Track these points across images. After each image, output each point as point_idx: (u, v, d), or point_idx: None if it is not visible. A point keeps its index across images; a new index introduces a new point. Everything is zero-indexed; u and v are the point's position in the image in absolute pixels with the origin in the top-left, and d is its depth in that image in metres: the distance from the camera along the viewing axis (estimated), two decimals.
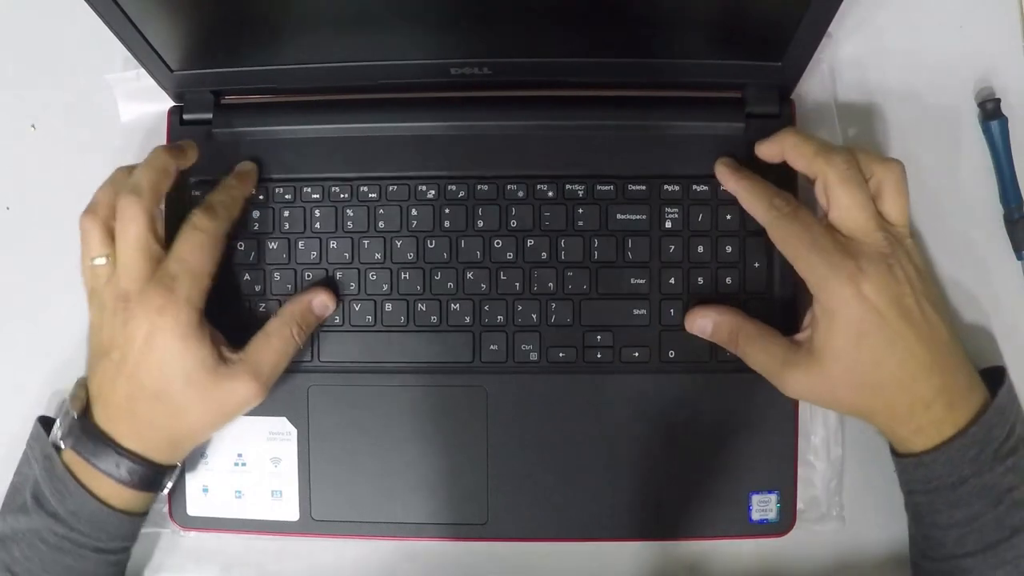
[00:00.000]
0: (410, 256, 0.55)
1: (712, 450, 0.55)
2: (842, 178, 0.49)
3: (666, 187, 0.55)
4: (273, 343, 0.52)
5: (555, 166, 0.55)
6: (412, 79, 0.55)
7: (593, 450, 0.55)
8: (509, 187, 0.55)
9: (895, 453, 0.51)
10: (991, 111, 0.57)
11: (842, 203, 0.49)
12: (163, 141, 0.56)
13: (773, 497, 0.54)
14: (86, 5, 0.47)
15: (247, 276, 0.55)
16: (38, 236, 0.59)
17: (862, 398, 0.49)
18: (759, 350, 0.51)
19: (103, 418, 0.51)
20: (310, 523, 0.55)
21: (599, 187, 0.55)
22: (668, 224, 0.55)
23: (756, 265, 0.54)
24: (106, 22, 0.49)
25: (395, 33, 0.51)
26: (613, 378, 0.55)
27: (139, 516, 0.53)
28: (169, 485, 0.53)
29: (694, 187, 0.55)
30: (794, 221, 0.49)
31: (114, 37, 0.50)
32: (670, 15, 0.49)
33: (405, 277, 0.55)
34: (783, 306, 0.54)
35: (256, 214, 0.56)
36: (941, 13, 0.59)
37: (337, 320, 0.55)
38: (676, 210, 0.55)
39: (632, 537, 0.55)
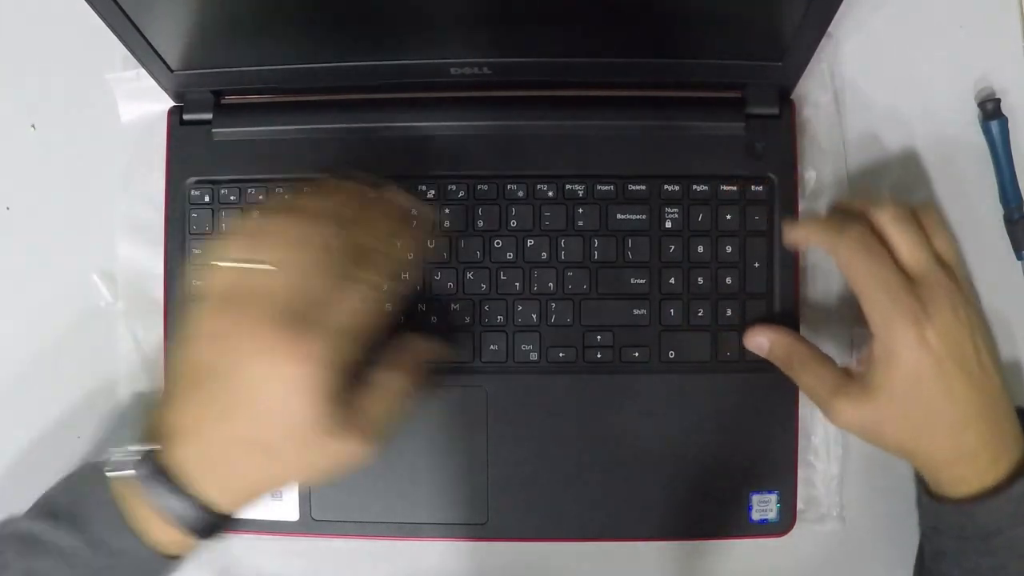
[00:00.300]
0: (410, 256, 0.55)
1: (712, 450, 0.55)
2: (896, 216, 0.49)
3: (666, 187, 0.55)
4: (390, 399, 0.46)
5: (555, 166, 0.55)
6: (412, 79, 0.55)
7: (593, 450, 0.55)
8: (509, 187, 0.55)
9: (929, 493, 0.50)
10: (991, 111, 0.57)
11: (901, 243, 0.49)
12: (163, 141, 0.56)
13: (773, 497, 0.54)
14: (86, 5, 0.47)
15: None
16: (38, 236, 0.59)
17: (910, 439, 0.49)
18: (810, 374, 0.51)
19: (186, 458, 0.43)
20: (310, 523, 0.55)
21: (599, 187, 0.55)
22: (668, 224, 0.55)
23: (756, 265, 0.54)
24: (106, 22, 0.49)
25: (395, 33, 0.51)
26: (613, 378, 0.55)
27: (180, 560, 0.46)
28: (221, 535, 0.46)
29: (694, 187, 0.55)
30: (868, 255, 0.48)
31: (114, 37, 0.50)
32: (670, 15, 0.49)
33: (405, 277, 0.55)
34: (783, 306, 0.54)
35: (257, 214, 0.55)
36: (941, 13, 0.58)
37: None
38: (676, 210, 0.55)
39: (632, 537, 0.55)
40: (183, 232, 0.56)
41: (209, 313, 0.44)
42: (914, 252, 0.49)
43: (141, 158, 0.58)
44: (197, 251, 0.56)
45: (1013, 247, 0.57)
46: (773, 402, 0.53)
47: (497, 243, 0.55)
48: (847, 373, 0.50)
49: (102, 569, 0.44)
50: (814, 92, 0.57)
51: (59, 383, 0.58)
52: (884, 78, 0.58)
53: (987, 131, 0.57)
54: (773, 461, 0.54)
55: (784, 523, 0.55)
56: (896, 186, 0.58)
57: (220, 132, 0.56)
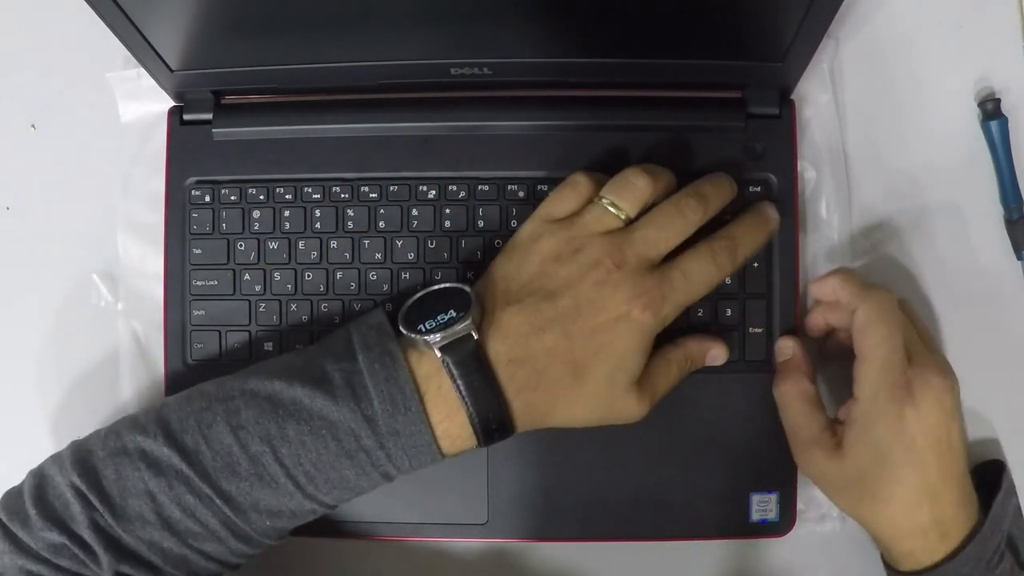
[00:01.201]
0: (411, 256, 0.55)
1: (712, 450, 0.55)
2: (893, 306, 0.50)
3: None
4: (672, 372, 0.50)
5: (556, 166, 0.55)
6: (412, 79, 0.54)
7: (593, 450, 0.55)
8: (510, 187, 0.55)
9: (887, 565, 0.51)
10: (991, 111, 0.57)
11: (906, 324, 0.50)
12: (163, 141, 0.56)
13: (773, 497, 0.54)
14: (86, 5, 0.47)
15: (247, 276, 0.55)
16: (38, 236, 0.59)
17: (867, 507, 0.49)
18: (803, 412, 0.51)
19: (507, 356, 0.45)
20: (310, 523, 0.55)
21: None
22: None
23: (755, 265, 0.54)
24: (106, 22, 0.49)
25: (395, 33, 0.51)
26: None
27: (442, 459, 0.47)
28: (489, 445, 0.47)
29: None
30: (886, 322, 0.49)
31: (114, 37, 0.50)
32: (671, 15, 0.49)
33: (406, 277, 0.55)
34: (782, 307, 0.54)
35: (257, 214, 0.56)
36: (941, 13, 0.58)
37: (337, 321, 0.55)
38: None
39: (632, 537, 0.55)
40: (183, 232, 0.56)
41: (567, 233, 0.47)
42: (906, 332, 0.50)
43: (141, 158, 0.58)
44: (197, 251, 0.56)
45: (1013, 247, 0.57)
46: (773, 402, 0.53)
47: (497, 243, 0.55)
48: (831, 427, 0.51)
49: (368, 448, 0.44)
50: (814, 92, 0.57)
51: (59, 383, 0.58)
52: (884, 78, 0.58)
53: (987, 131, 0.57)
54: (773, 461, 0.54)
55: (784, 523, 0.55)
56: (896, 187, 0.58)
57: (220, 132, 0.56)
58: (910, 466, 0.48)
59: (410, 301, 0.48)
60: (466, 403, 0.44)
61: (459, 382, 0.44)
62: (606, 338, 0.46)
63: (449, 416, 0.45)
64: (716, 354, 0.52)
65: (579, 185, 0.50)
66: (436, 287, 0.48)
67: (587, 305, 0.46)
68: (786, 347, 0.53)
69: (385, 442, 0.44)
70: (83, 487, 0.44)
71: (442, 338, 0.44)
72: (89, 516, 0.43)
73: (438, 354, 0.45)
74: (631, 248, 0.47)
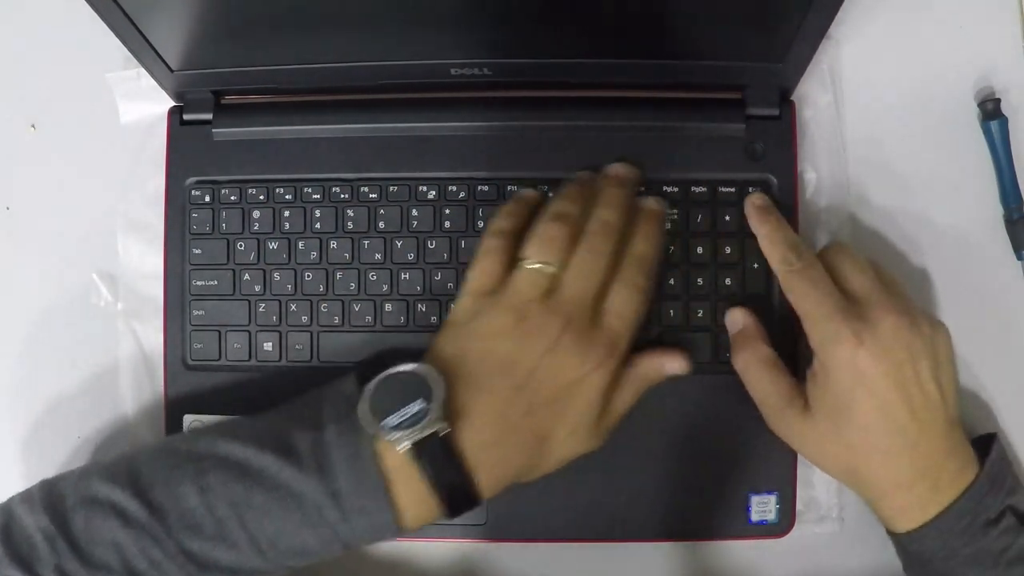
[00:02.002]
0: (410, 256, 0.55)
1: (712, 451, 0.55)
2: (840, 249, 0.51)
3: (666, 188, 0.55)
4: (628, 397, 0.50)
5: (556, 167, 0.55)
6: (412, 79, 0.54)
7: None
8: (510, 188, 0.55)
9: (889, 533, 0.51)
10: (991, 111, 0.57)
11: (845, 269, 0.50)
12: (163, 141, 0.56)
13: (772, 498, 0.54)
14: (86, 5, 0.47)
15: (247, 276, 0.55)
16: (38, 236, 0.59)
17: (848, 461, 0.49)
18: (767, 379, 0.51)
19: (471, 440, 0.45)
20: None
21: None
22: (668, 225, 0.55)
23: (755, 266, 0.54)
24: (106, 22, 0.49)
25: (395, 33, 0.51)
26: None
27: (403, 533, 0.47)
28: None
29: (694, 188, 0.55)
30: (803, 277, 0.49)
31: (114, 37, 0.50)
32: (671, 16, 0.49)
33: (405, 277, 0.55)
34: (782, 307, 0.54)
35: (257, 214, 0.56)
36: (941, 13, 0.58)
37: (337, 320, 0.55)
38: (676, 211, 0.55)
39: (631, 538, 0.55)
40: (183, 232, 0.56)
41: (509, 311, 0.48)
42: (858, 277, 0.50)
43: (141, 158, 0.58)
44: (197, 251, 0.56)
45: (1013, 247, 0.57)
46: None
47: None
48: (798, 388, 0.50)
49: (330, 521, 0.45)
50: (814, 93, 0.57)
51: (59, 383, 0.58)
52: (884, 79, 0.58)
53: (987, 131, 0.57)
54: (772, 462, 0.54)
55: (783, 524, 0.55)
56: (896, 187, 0.58)
57: (220, 132, 0.56)
58: (876, 410, 0.47)
59: (372, 385, 0.47)
60: (437, 492, 0.45)
61: (430, 477, 0.44)
62: (566, 403, 0.47)
63: (417, 501, 0.45)
64: (672, 366, 0.52)
65: (497, 251, 0.50)
66: (399, 370, 0.47)
67: (542, 376, 0.46)
68: (736, 318, 0.53)
69: (349, 518, 0.45)
70: (52, 531, 0.44)
71: (410, 435, 0.44)
72: (55, 560, 0.44)
73: (408, 451, 0.44)
74: (569, 308, 0.47)
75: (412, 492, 0.45)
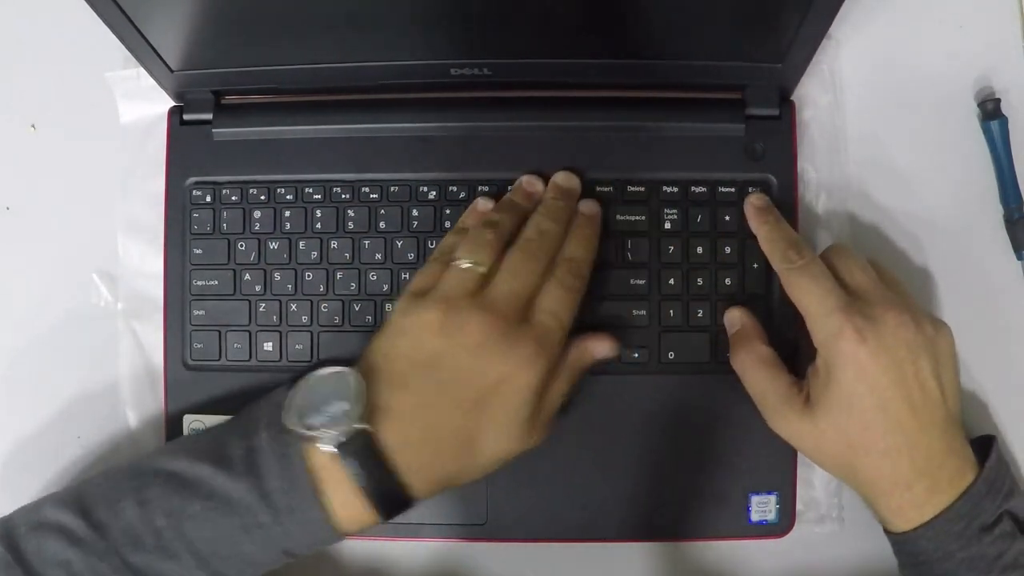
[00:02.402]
0: (411, 256, 0.55)
1: (712, 451, 0.55)
2: (840, 249, 0.51)
3: (665, 188, 0.55)
4: (560, 388, 0.50)
5: (555, 167, 0.55)
6: (412, 80, 0.55)
7: (593, 451, 0.55)
8: (509, 188, 0.55)
9: (886, 532, 0.51)
10: (991, 111, 0.57)
11: (847, 268, 0.50)
12: (163, 141, 0.56)
13: (772, 498, 0.55)
14: (86, 5, 0.47)
15: (248, 276, 0.55)
16: (38, 236, 0.59)
17: (847, 459, 0.49)
18: (766, 377, 0.51)
19: (395, 438, 0.45)
20: None
21: (599, 188, 0.55)
22: (667, 225, 0.55)
23: (755, 266, 0.54)
24: (106, 22, 0.49)
25: (395, 34, 0.51)
26: (613, 379, 0.54)
27: (342, 537, 0.47)
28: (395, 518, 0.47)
29: (693, 188, 0.55)
30: (804, 274, 0.50)
31: (114, 37, 0.50)
32: (670, 16, 0.49)
33: (405, 277, 0.55)
34: (782, 307, 0.54)
35: (258, 214, 0.56)
36: (941, 13, 0.58)
37: (337, 320, 0.55)
38: (675, 211, 0.55)
39: (631, 538, 0.55)
40: (183, 232, 0.56)
41: (434, 307, 0.47)
42: (860, 276, 0.50)
43: (141, 158, 0.58)
44: (197, 251, 0.56)
45: (1013, 247, 0.57)
46: None
47: None
48: (796, 384, 0.51)
49: (264, 524, 0.45)
50: (814, 93, 0.57)
51: (59, 383, 0.58)
52: (884, 79, 0.58)
53: (987, 131, 0.57)
54: (772, 462, 0.54)
55: (783, 524, 0.55)
56: (896, 187, 0.58)
57: (220, 132, 0.56)
58: (877, 408, 0.47)
59: (299, 387, 0.47)
60: (364, 493, 0.45)
61: (355, 476, 0.44)
62: (494, 403, 0.46)
63: (348, 502, 0.45)
64: (598, 349, 0.52)
65: (439, 260, 0.50)
66: (325, 372, 0.47)
67: (468, 374, 0.46)
68: (734, 318, 0.53)
69: (282, 519, 0.45)
70: (8, 558, 0.45)
71: (333, 437, 0.44)
72: None
73: (332, 450, 0.45)
74: (498, 305, 0.47)
75: (341, 492, 0.45)
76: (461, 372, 0.46)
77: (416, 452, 0.46)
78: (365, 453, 0.45)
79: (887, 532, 0.50)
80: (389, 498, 0.45)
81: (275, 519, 0.45)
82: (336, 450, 0.44)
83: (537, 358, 0.47)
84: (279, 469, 0.45)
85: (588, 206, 0.54)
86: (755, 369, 0.51)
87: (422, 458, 0.46)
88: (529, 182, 0.54)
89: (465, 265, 0.48)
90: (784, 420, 0.50)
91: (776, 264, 0.52)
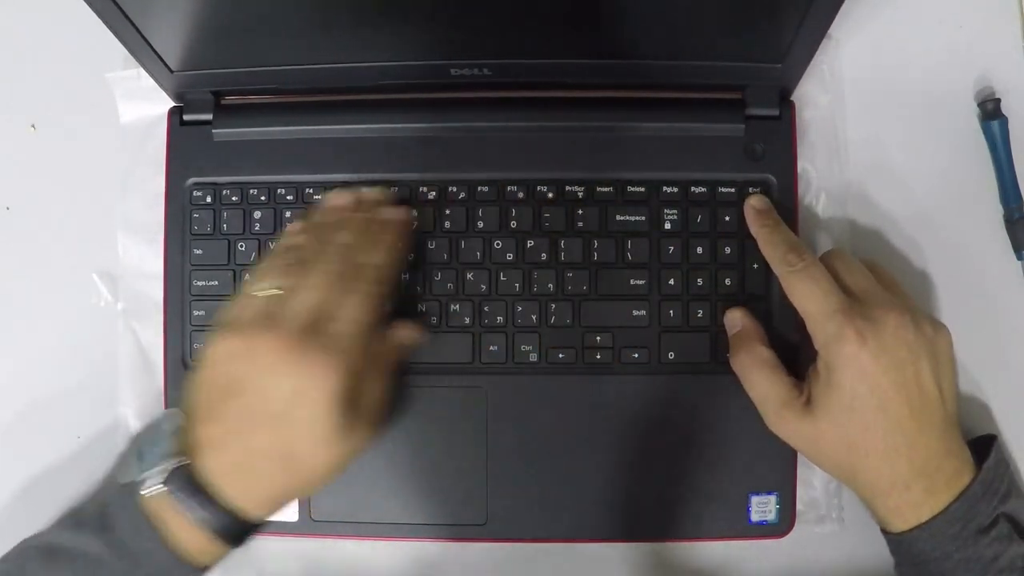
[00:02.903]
0: (410, 257, 0.55)
1: (712, 451, 0.55)
2: (840, 253, 0.52)
3: (665, 189, 0.55)
4: (379, 383, 0.50)
5: (555, 167, 0.55)
6: (412, 80, 0.55)
7: (593, 451, 0.55)
8: (509, 188, 0.55)
9: (883, 531, 0.51)
10: (991, 111, 0.57)
11: (847, 272, 0.50)
12: (163, 141, 0.56)
13: (773, 498, 0.55)
14: (86, 5, 0.47)
15: (248, 276, 0.55)
16: (38, 236, 0.59)
17: (846, 460, 0.49)
18: (766, 379, 0.51)
19: (214, 469, 0.46)
20: (310, 523, 0.55)
21: (599, 188, 0.55)
22: (667, 225, 0.55)
23: (755, 267, 0.54)
24: (106, 22, 0.49)
25: (395, 34, 0.51)
26: (613, 379, 0.55)
27: (203, 571, 0.47)
28: (249, 542, 0.48)
29: (693, 188, 0.55)
30: (804, 277, 0.50)
31: (114, 37, 0.50)
32: (671, 17, 0.49)
33: (405, 277, 0.55)
34: (781, 308, 0.54)
35: (258, 214, 0.56)
36: (941, 13, 0.58)
37: None
38: (675, 211, 0.55)
39: (632, 538, 0.55)
40: (183, 232, 0.56)
41: (231, 336, 0.47)
42: (859, 279, 0.50)
43: (141, 158, 0.58)
44: (198, 251, 0.56)
45: (1013, 247, 0.57)
46: None
47: (497, 244, 0.55)
48: (797, 386, 0.51)
49: (124, 572, 0.45)
50: (814, 93, 0.57)
51: (59, 383, 0.58)
52: (884, 79, 0.58)
53: (987, 131, 0.57)
54: (773, 462, 0.54)
55: (783, 524, 0.55)
56: (896, 187, 0.58)
57: (220, 133, 0.56)
58: (877, 409, 0.47)
59: (134, 437, 0.48)
60: (199, 524, 0.45)
61: (185, 509, 0.45)
62: (297, 416, 0.46)
63: (192, 537, 0.45)
64: (403, 336, 0.53)
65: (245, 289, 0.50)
66: (155, 417, 0.49)
67: (268, 393, 0.46)
68: (735, 319, 0.54)
69: (138, 565, 0.45)
70: None
71: (157, 476, 0.45)
72: None
73: (161, 488, 0.45)
74: (290, 324, 0.46)
75: (183, 528, 0.45)
76: (259, 393, 0.46)
77: (239, 477, 0.46)
78: (188, 487, 0.45)
79: (884, 532, 0.50)
80: (226, 525, 0.46)
81: (133, 567, 0.45)
82: (164, 487, 0.45)
83: (329, 365, 0.46)
84: (125, 518, 0.46)
85: (390, 212, 0.54)
86: (755, 371, 0.51)
87: (247, 481, 0.46)
88: (333, 197, 0.54)
89: (259, 292, 0.48)
90: (784, 422, 0.50)
91: (776, 267, 0.52)
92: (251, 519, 0.47)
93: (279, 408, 0.45)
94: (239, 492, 0.46)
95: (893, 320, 0.48)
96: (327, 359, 0.46)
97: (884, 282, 0.51)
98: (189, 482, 0.45)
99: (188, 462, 0.45)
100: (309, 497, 0.55)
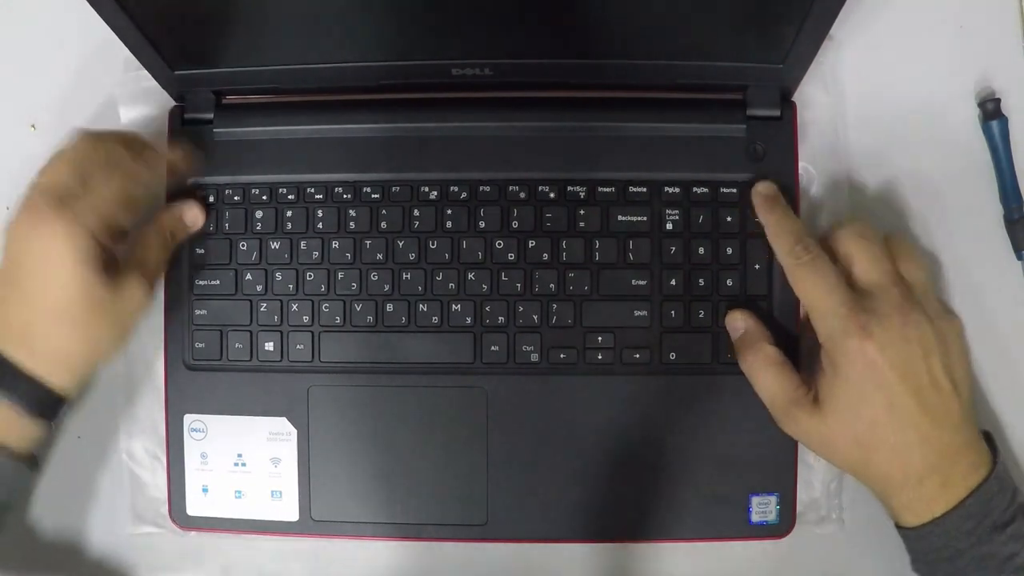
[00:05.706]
0: (412, 256, 0.55)
1: (712, 451, 0.55)
2: (856, 232, 0.50)
3: (667, 189, 0.55)
4: (153, 243, 0.53)
5: (556, 167, 0.55)
6: (413, 79, 0.55)
7: (593, 451, 0.55)
8: (511, 188, 0.55)
9: (897, 526, 0.51)
10: (991, 111, 0.57)
11: (857, 258, 0.50)
12: (164, 141, 0.56)
13: (773, 499, 0.55)
14: (87, 5, 0.47)
15: (249, 275, 0.55)
16: None
17: (857, 456, 0.49)
18: (773, 378, 0.51)
19: (7, 342, 0.49)
20: (310, 523, 0.55)
21: (600, 189, 0.55)
22: (669, 226, 0.55)
23: (756, 267, 0.54)
24: (107, 22, 0.49)
25: (396, 33, 0.51)
26: (614, 379, 0.55)
27: (22, 463, 0.51)
28: (62, 418, 0.52)
29: (695, 189, 0.55)
30: (811, 270, 0.50)
31: (115, 37, 0.50)
32: (672, 17, 0.49)
33: (407, 277, 0.55)
34: (783, 308, 0.54)
35: (260, 214, 0.56)
36: (941, 13, 0.59)
37: (338, 320, 0.55)
38: (677, 212, 0.55)
39: (632, 538, 0.55)
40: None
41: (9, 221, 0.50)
42: (868, 268, 0.49)
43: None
44: (199, 251, 0.56)
45: (1013, 247, 0.57)
46: None
47: (498, 244, 0.55)
48: (804, 384, 0.50)
49: None
50: (815, 94, 0.57)
51: None
52: (885, 79, 0.58)
53: (987, 131, 0.57)
54: (773, 463, 0.54)
55: (784, 525, 0.55)
56: (896, 187, 0.58)
57: (221, 132, 0.56)
58: (885, 405, 0.47)
59: None
60: (7, 401, 0.49)
61: None
62: (48, 279, 0.49)
63: (3, 419, 0.49)
64: (190, 216, 0.55)
65: None
66: None
67: (18, 260, 0.49)
68: (738, 320, 0.54)
69: None
70: None
71: None
72: None
73: None
74: (38, 197, 0.49)
75: None
76: (15, 260, 0.49)
77: (24, 343, 0.49)
78: None
79: (898, 527, 0.50)
80: (33, 395, 0.49)
81: None
82: None
83: (72, 231, 0.48)
84: None
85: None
86: (764, 370, 0.51)
87: (31, 346, 0.49)
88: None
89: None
90: (793, 420, 0.50)
91: (782, 258, 0.52)
92: (55, 386, 0.50)
93: (39, 270, 0.49)
94: (38, 360, 0.49)
95: (899, 315, 0.47)
96: (73, 221, 0.48)
97: (902, 256, 0.51)
98: None
99: None
100: (310, 496, 0.55)
